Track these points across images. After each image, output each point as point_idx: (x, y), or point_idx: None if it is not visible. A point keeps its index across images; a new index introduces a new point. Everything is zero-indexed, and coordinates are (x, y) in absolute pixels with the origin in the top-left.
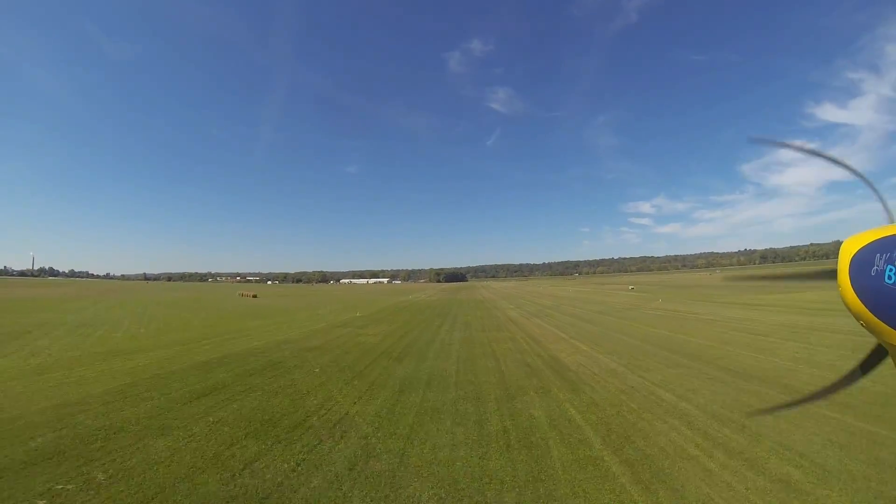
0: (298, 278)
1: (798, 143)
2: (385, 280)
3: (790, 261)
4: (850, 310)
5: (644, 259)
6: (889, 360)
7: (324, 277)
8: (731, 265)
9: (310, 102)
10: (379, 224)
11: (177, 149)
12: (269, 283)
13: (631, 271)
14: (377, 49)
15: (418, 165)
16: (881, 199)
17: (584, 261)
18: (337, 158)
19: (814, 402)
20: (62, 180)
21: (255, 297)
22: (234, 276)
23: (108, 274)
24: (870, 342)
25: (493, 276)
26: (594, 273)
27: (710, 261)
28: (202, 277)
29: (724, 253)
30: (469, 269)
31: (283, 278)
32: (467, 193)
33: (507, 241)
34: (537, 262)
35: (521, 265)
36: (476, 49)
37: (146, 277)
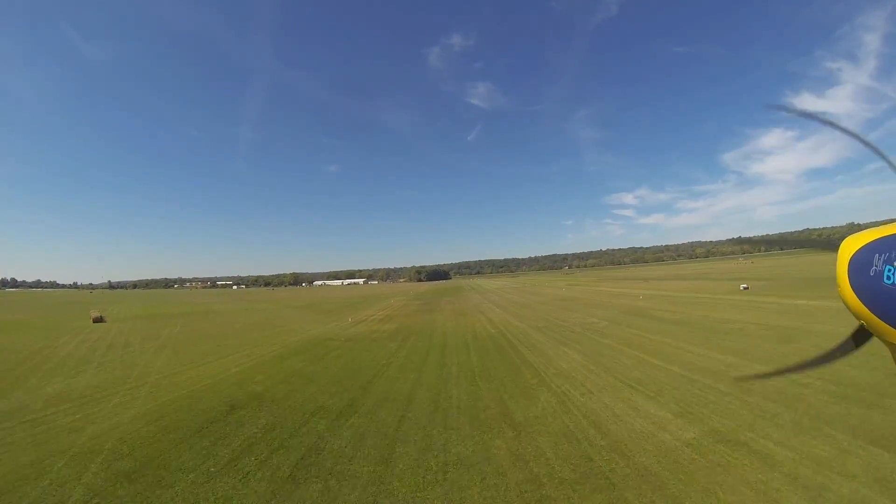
0: (268, 282)
1: (812, 112)
2: (361, 281)
3: (801, 248)
4: (849, 309)
5: (635, 250)
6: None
7: (296, 280)
8: (734, 254)
9: (289, 100)
10: (361, 223)
11: (151, 150)
12: (235, 287)
13: (624, 264)
14: (357, 45)
15: (399, 163)
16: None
17: (573, 254)
18: (318, 157)
19: (804, 370)
20: (28, 186)
21: (98, 320)
22: (206, 280)
23: (74, 283)
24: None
25: (479, 273)
26: (585, 266)
27: (709, 249)
28: (167, 283)
29: (719, 241)
30: (452, 266)
31: (255, 281)
32: (449, 190)
33: (490, 237)
34: (523, 257)
35: (506, 260)
36: (456, 44)
37: (111, 285)
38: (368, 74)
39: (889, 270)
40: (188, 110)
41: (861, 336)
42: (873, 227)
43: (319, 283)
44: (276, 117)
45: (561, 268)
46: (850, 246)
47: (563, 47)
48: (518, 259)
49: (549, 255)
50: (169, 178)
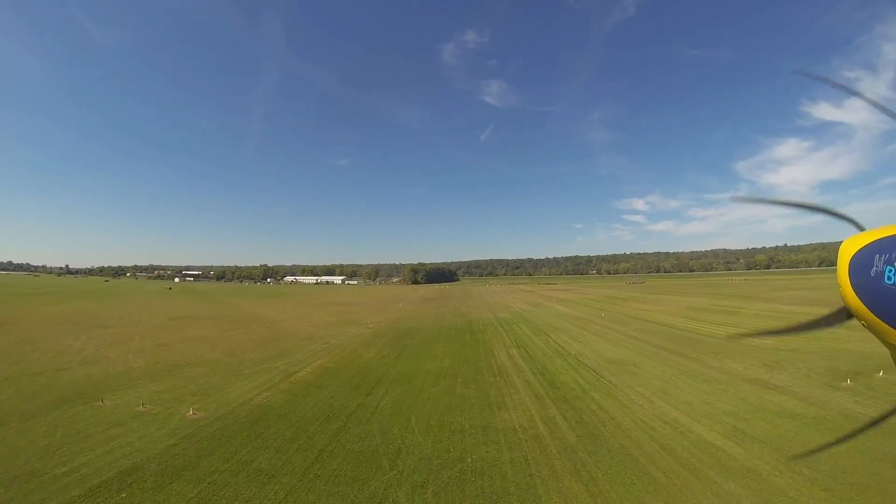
0: (221, 274)
1: (773, 197)
2: (339, 280)
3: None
4: (850, 309)
5: (667, 255)
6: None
7: (266, 273)
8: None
9: (301, 93)
10: (367, 218)
11: (150, 136)
12: (176, 279)
13: (665, 270)
14: (370, 39)
15: (411, 159)
16: (853, 222)
17: (598, 256)
18: (329, 151)
19: (789, 334)
20: (15, 169)
21: None
22: (180, 269)
23: (44, 266)
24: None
25: (492, 274)
26: (617, 271)
27: (772, 256)
28: (116, 272)
29: (778, 246)
30: (461, 265)
31: (222, 273)
32: (459, 187)
33: (498, 237)
34: (539, 258)
35: (520, 260)
36: (471, 40)
37: (69, 271)
38: (381, 69)
39: (890, 271)
40: (198, 99)
41: (835, 319)
42: None
43: (290, 278)
44: (287, 109)
45: (585, 272)
46: (851, 247)
47: (579, 47)
48: (534, 259)
49: (569, 257)
50: (170, 167)
